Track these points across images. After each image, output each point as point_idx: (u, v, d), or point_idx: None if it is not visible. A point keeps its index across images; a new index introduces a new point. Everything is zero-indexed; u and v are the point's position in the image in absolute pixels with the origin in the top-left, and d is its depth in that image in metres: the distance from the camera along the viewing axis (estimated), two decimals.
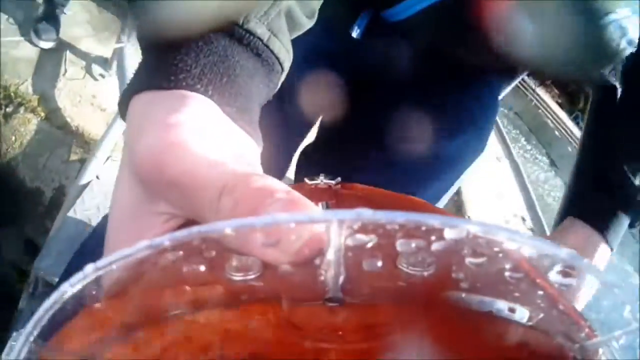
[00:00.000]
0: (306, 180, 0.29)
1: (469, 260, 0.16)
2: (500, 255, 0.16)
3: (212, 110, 0.27)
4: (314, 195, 0.26)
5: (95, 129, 1.82)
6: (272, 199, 0.19)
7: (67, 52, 2.02)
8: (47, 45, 1.94)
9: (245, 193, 0.20)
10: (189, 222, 0.24)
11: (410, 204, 0.28)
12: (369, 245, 0.16)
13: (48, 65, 1.94)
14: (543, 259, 0.15)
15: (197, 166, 0.23)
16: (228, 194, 0.21)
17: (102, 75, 2.02)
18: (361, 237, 0.16)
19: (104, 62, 2.04)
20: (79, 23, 2.15)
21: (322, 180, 0.29)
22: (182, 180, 0.23)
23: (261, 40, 0.30)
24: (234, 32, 0.29)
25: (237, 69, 0.29)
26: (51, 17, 1.95)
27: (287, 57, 0.32)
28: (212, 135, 0.25)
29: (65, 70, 1.97)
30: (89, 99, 1.92)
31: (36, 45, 1.93)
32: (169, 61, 0.28)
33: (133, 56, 1.81)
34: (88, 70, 2.01)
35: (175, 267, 0.17)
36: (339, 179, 0.29)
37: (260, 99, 0.31)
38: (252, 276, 0.18)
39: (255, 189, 0.20)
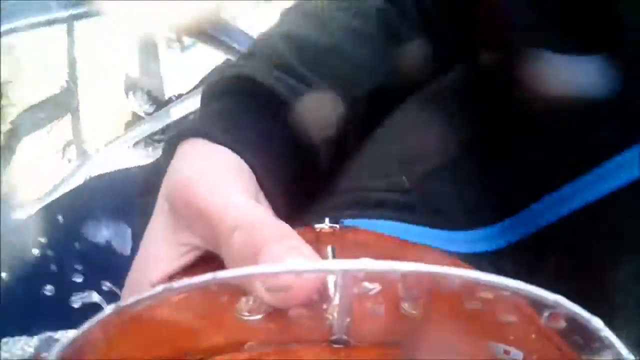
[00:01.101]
0: (311, 224, 0.30)
1: (468, 304, 0.17)
2: (498, 299, 0.17)
3: (251, 178, 0.29)
4: (320, 238, 0.27)
5: None
6: (279, 243, 0.21)
7: None
8: None
9: (256, 233, 0.22)
10: (206, 256, 0.26)
11: (413, 250, 0.28)
12: (374, 292, 0.18)
13: None
14: (539, 303, 0.16)
15: (220, 200, 0.24)
16: (240, 230, 0.22)
17: None
18: (366, 284, 0.18)
19: None
20: None
21: (327, 224, 0.29)
22: (206, 211, 0.24)
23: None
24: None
25: (287, 147, 0.33)
26: None
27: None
28: (243, 186, 0.27)
29: None
30: None
31: None
32: (230, 118, 0.32)
33: None
34: None
35: (184, 307, 0.19)
36: (343, 223, 0.30)
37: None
38: (259, 317, 0.19)
39: (266, 230, 0.22)
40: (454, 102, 0.36)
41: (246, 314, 0.19)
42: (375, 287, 0.18)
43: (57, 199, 0.80)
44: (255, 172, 0.30)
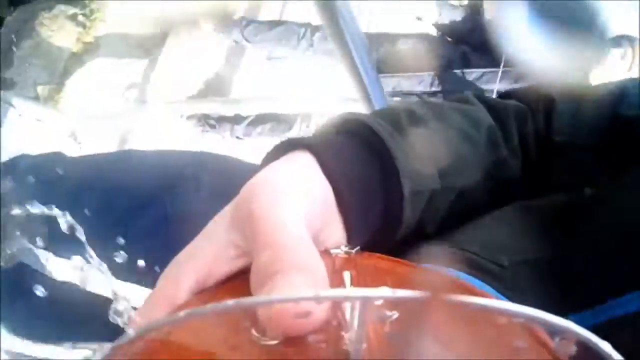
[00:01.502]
0: (328, 248, 0.30)
1: (482, 331, 0.17)
2: (510, 324, 0.18)
3: (328, 206, 0.31)
4: (336, 263, 0.28)
5: None
6: (296, 274, 0.21)
7: None
8: None
9: (282, 257, 0.22)
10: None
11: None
12: (392, 318, 0.18)
13: None
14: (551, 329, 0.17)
15: (272, 214, 0.25)
16: (271, 249, 0.23)
17: None
18: (383, 312, 0.18)
19: None
20: None
21: (342, 250, 0.29)
22: (256, 219, 0.25)
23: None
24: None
25: (379, 199, 0.34)
26: None
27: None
28: (310, 211, 0.28)
29: None
30: None
31: None
32: (339, 149, 0.34)
33: None
34: None
35: (204, 329, 0.20)
36: (359, 247, 0.30)
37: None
38: (276, 341, 0.19)
39: (292, 258, 0.22)
40: (549, 217, 0.39)
41: (263, 337, 0.19)
42: (394, 314, 0.18)
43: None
44: (342, 204, 0.31)
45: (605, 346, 0.16)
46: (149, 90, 1.91)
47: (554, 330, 0.17)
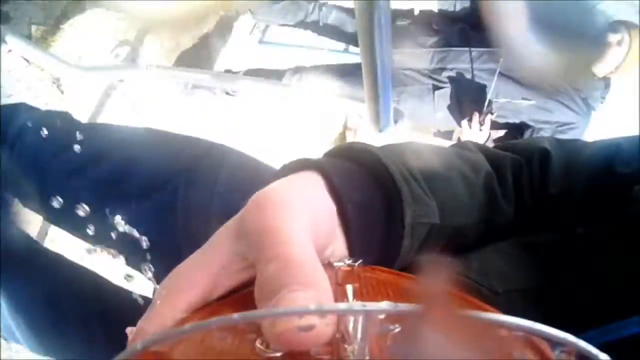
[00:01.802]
0: (331, 261, 0.30)
1: (483, 342, 0.18)
2: (511, 336, 0.18)
3: (333, 225, 0.31)
4: (339, 276, 0.28)
5: None
6: (299, 290, 0.22)
7: None
8: None
9: (287, 271, 0.23)
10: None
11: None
12: (394, 331, 0.19)
13: None
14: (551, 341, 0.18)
15: (279, 227, 0.25)
16: (276, 263, 0.23)
17: None
18: (386, 325, 0.19)
19: None
20: None
21: (345, 263, 0.30)
22: (263, 230, 0.25)
23: None
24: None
25: (382, 222, 0.35)
26: None
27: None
28: (315, 228, 0.28)
29: None
30: None
31: None
32: (348, 175, 0.35)
33: None
34: None
35: (209, 341, 0.20)
36: (361, 261, 0.30)
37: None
38: (279, 354, 0.19)
39: (297, 273, 0.23)
40: (543, 251, 0.41)
41: (268, 350, 0.19)
42: (396, 327, 0.19)
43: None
44: (345, 225, 0.32)
45: (604, 357, 0.17)
46: (140, 51, 1.89)
47: (554, 343, 0.17)
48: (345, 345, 0.19)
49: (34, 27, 1.34)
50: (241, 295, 0.26)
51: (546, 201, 0.45)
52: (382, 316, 0.18)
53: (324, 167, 0.33)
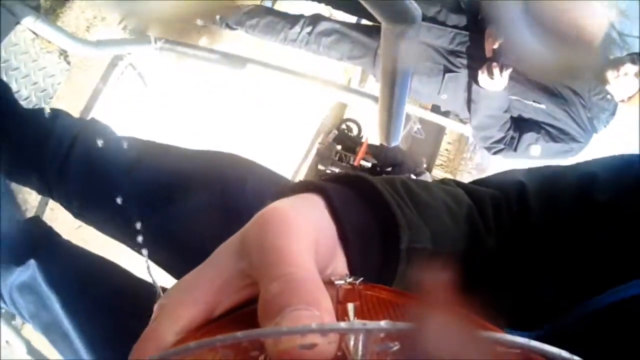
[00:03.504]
0: (332, 279, 0.30)
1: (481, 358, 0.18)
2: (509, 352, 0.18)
3: (335, 246, 0.32)
4: (340, 294, 0.28)
5: None
6: (303, 310, 0.22)
7: None
8: None
9: (290, 291, 0.23)
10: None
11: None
12: (394, 349, 0.19)
13: None
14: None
15: (282, 246, 0.26)
16: (279, 282, 0.23)
17: None
18: (386, 344, 0.19)
19: None
20: None
21: (346, 281, 0.30)
22: (266, 248, 0.26)
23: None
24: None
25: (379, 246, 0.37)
26: None
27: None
28: (318, 248, 0.29)
29: None
30: None
31: None
32: (346, 200, 0.35)
33: None
34: None
35: (211, 357, 0.20)
36: (362, 278, 0.31)
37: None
38: None
39: (300, 293, 0.23)
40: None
41: None
42: (395, 345, 0.19)
43: None
44: (345, 247, 0.33)
45: None
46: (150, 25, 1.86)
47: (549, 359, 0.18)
48: None
49: None
50: (244, 313, 0.26)
51: (528, 233, 0.46)
52: (382, 334, 0.19)
53: (324, 190, 0.34)
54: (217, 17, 2.11)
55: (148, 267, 0.59)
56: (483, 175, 0.56)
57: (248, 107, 2.79)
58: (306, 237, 0.27)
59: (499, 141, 2.00)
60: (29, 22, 1.24)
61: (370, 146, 5.15)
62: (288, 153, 4.22)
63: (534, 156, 1.94)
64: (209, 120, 2.58)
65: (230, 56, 1.64)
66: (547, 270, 0.43)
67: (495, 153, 2.06)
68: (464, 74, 1.96)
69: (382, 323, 0.18)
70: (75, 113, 1.62)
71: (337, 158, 5.16)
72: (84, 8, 1.51)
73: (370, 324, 0.18)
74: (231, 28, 2.15)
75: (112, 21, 1.65)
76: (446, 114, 2.65)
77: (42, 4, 1.34)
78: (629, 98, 1.78)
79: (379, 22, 2.09)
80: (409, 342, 0.18)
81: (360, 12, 2.16)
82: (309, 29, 2.06)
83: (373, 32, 2.02)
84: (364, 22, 2.27)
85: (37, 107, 1.40)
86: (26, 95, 1.36)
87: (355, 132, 5.54)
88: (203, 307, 0.26)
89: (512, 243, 0.47)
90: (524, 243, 0.46)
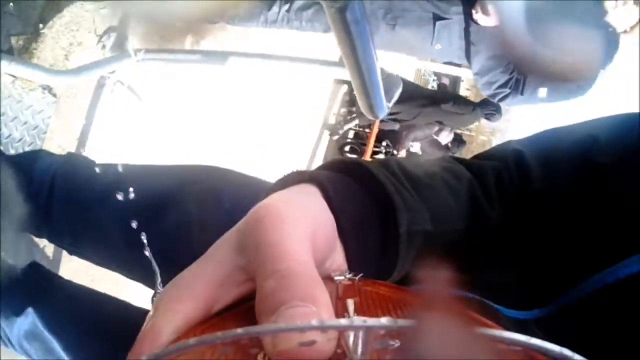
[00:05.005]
0: (332, 275, 0.30)
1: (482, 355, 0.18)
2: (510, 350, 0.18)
3: (333, 235, 0.32)
4: (340, 290, 0.28)
5: None
6: (299, 306, 0.22)
7: None
8: None
9: (287, 286, 0.23)
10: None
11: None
12: (394, 346, 0.19)
13: None
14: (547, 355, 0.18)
15: (279, 240, 0.25)
16: (275, 278, 0.23)
17: None
18: (386, 340, 0.19)
19: None
20: None
21: (345, 277, 0.30)
22: (262, 243, 0.25)
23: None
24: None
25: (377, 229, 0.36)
26: None
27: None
28: (315, 238, 0.28)
29: None
30: None
31: None
32: (341, 187, 0.35)
33: None
34: None
35: (211, 355, 0.20)
36: (361, 274, 0.31)
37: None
38: None
39: (297, 287, 0.23)
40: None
41: None
42: (396, 342, 0.19)
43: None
44: (343, 236, 0.33)
45: None
46: (128, 35, 1.85)
47: (552, 358, 0.18)
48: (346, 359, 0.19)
49: (13, 39, 1.32)
50: (242, 309, 0.26)
51: (531, 200, 0.45)
52: (382, 331, 0.19)
53: (319, 179, 0.34)
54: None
55: (151, 261, 0.60)
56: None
57: (250, 101, 2.77)
58: (302, 231, 0.27)
59: (503, 85, 1.91)
60: (4, 66, 1.25)
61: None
62: (301, 139, 4.19)
63: (542, 98, 1.86)
64: (214, 120, 2.58)
65: (211, 53, 1.62)
66: (550, 242, 0.42)
67: (501, 100, 1.98)
68: (456, 20, 1.89)
69: (383, 320, 0.17)
70: (73, 142, 1.65)
71: (352, 136, 5.10)
72: (57, 38, 1.51)
73: (371, 321, 0.17)
74: (213, 22, 2.13)
75: (89, 44, 1.65)
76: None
77: (14, 44, 1.34)
78: (631, 28, 1.70)
79: None
80: (410, 339, 0.17)
81: None
82: (286, 6, 2.02)
83: None
84: None
85: (32, 145, 1.42)
86: (19, 136, 1.38)
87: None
88: (202, 303, 0.25)
89: (515, 213, 0.46)
90: (528, 212, 0.45)
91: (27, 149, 1.40)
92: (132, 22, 1.71)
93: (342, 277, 0.29)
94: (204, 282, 0.26)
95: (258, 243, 0.25)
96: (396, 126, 4.30)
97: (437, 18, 1.89)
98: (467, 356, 0.16)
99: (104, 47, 1.73)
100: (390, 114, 4.07)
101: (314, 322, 0.18)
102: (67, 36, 1.54)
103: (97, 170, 0.81)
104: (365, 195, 0.37)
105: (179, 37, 2.03)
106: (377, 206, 0.37)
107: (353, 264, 0.33)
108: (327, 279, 0.29)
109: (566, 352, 0.17)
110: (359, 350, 0.18)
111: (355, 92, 0.96)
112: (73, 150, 1.65)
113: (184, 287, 0.26)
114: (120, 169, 0.83)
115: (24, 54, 1.37)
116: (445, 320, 0.16)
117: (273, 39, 2.14)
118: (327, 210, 0.32)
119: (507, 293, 0.41)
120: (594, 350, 0.32)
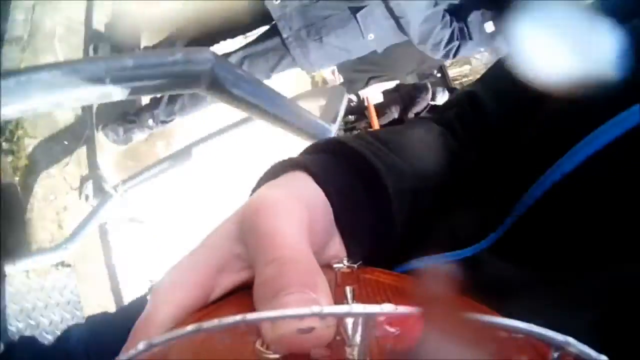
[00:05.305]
0: (331, 263, 0.30)
1: (483, 344, 0.18)
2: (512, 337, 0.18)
3: (328, 215, 0.32)
4: (339, 278, 0.28)
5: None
6: (299, 293, 0.22)
7: None
8: None
9: (285, 273, 0.23)
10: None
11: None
12: (394, 334, 0.19)
13: None
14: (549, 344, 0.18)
15: (276, 228, 0.25)
16: (274, 265, 0.23)
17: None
18: (386, 328, 0.19)
19: None
20: None
21: (344, 264, 0.30)
22: (261, 232, 0.25)
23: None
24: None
25: (365, 198, 0.37)
26: None
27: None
28: (312, 223, 0.28)
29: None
30: None
31: None
32: (326, 166, 0.36)
33: None
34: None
35: (208, 342, 0.20)
36: (361, 262, 0.31)
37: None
38: (278, 355, 0.20)
39: (295, 274, 0.23)
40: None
41: (267, 352, 0.19)
42: (396, 330, 0.19)
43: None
44: (339, 219, 0.33)
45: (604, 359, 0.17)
46: (103, 174, 1.90)
47: (554, 345, 0.18)
48: (345, 347, 0.19)
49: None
50: (239, 297, 0.26)
51: (491, 132, 0.46)
52: (382, 318, 0.18)
53: (304, 164, 0.34)
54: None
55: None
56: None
57: (243, 171, 2.78)
58: (298, 218, 0.27)
59: (450, 40, 1.87)
60: (10, 270, 1.30)
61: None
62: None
63: (493, 32, 1.81)
64: (220, 206, 2.60)
65: (175, 154, 1.65)
66: (500, 165, 0.43)
67: (455, 55, 1.93)
68: (374, 4, 1.85)
69: (383, 306, 0.17)
70: (108, 295, 1.69)
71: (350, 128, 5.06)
72: (42, 216, 1.56)
73: (370, 307, 0.17)
74: (165, 122, 2.15)
75: (74, 205, 1.71)
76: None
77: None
78: None
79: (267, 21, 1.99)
80: (410, 326, 0.17)
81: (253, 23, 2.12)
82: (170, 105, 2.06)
83: (269, 33, 1.98)
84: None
85: (74, 319, 1.46)
86: (58, 319, 1.42)
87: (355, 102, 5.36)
88: (198, 291, 0.26)
89: (482, 149, 0.47)
90: (489, 144, 0.46)
91: (70, 324, 1.44)
92: None
93: (341, 265, 0.29)
94: (200, 270, 0.26)
95: (256, 231, 0.26)
96: (394, 115, 4.26)
97: (355, 10, 1.86)
98: (468, 343, 0.16)
99: (87, 197, 1.78)
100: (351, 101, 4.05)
101: (313, 309, 0.18)
102: (49, 209, 1.60)
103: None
104: (348, 167, 0.37)
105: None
106: (362, 176, 0.37)
107: (351, 246, 0.33)
108: (327, 267, 0.29)
109: (571, 340, 0.17)
110: (358, 337, 0.18)
111: (293, 135, 0.95)
112: (113, 300, 1.69)
113: (181, 273, 0.26)
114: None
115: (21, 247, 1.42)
116: (445, 307, 0.16)
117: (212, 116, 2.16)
118: (321, 194, 0.33)
119: (465, 229, 0.40)
120: (562, 248, 0.32)
